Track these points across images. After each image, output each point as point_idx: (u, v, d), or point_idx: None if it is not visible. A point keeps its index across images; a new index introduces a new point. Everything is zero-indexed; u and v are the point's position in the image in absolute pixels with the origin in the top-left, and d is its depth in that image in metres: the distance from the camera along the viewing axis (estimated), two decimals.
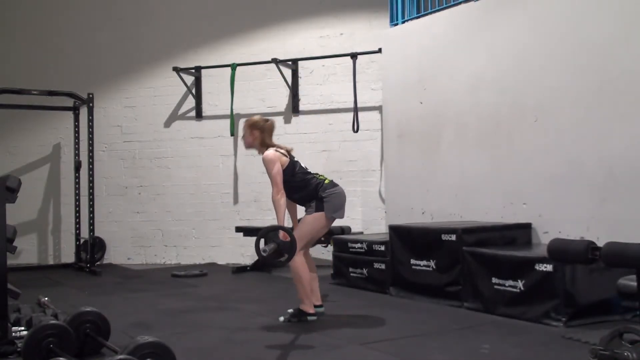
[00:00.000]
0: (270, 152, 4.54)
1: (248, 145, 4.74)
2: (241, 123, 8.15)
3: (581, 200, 5.04)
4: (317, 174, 4.69)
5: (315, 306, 4.68)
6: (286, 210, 4.53)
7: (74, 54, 8.75)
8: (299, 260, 4.50)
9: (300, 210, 4.72)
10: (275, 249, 4.07)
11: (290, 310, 4.62)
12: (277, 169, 4.47)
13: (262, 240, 3.99)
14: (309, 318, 4.56)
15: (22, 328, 3.78)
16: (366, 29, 7.91)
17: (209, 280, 6.83)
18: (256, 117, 4.75)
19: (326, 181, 4.60)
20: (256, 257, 7.62)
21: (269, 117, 4.83)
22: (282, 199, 4.43)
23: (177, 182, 8.49)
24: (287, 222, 4.59)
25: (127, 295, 5.96)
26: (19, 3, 8.95)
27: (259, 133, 4.63)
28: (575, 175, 5.09)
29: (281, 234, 4.10)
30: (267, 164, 4.51)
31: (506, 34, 5.74)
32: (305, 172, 4.63)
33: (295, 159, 4.66)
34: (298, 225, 4.68)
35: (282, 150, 4.61)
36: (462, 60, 6.16)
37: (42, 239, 8.78)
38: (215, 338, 4.18)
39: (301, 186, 4.57)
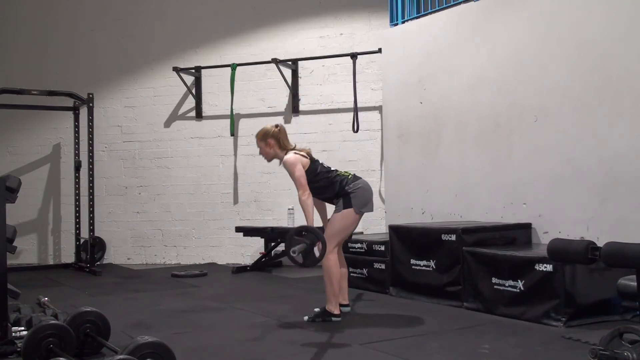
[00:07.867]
0: (290, 156, 4.52)
1: (269, 157, 4.68)
2: (242, 123, 8.28)
3: (581, 200, 5.04)
4: (337, 170, 4.65)
5: (342, 305, 4.67)
6: (314, 210, 4.49)
7: (74, 54, 8.75)
8: (332, 259, 4.48)
9: (330, 208, 4.69)
10: (305, 249, 3.99)
11: (316, 310, 4.58)
12: (300, 171, 4.44)
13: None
14: (334, 319, 4.49)
15: (22, 328, 3.77)
16: (366, 29, 7.91)
17: (209, 280, 6.82)
18: (266, 127, 4.66)
19: (349, 176, 4.59)
20: (256, 257, 7.64)
21: (278, 123, 4.76)
22: (309, 200, 4.40)
23: (177, 182, 8.48)
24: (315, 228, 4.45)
25: (127, 295, 5.96)
26: (19, 3, 8.95)
27: (274, 141, 4.60)
28: (575, 175, 5.09)
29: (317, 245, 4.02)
30: (288, 167, 4.48)
31: (506, 34, 5.74)
32: (327, 170, 4.60)
33: (316, 159, 4.64)
34: (328, 224, 4.62)
35: (302, 152, 4.59)
36: (462, 60, 6.16)
37: (42, 239, 8.78)
38: (215, 338, 4.18)
39: (326, 185, 4.55)
